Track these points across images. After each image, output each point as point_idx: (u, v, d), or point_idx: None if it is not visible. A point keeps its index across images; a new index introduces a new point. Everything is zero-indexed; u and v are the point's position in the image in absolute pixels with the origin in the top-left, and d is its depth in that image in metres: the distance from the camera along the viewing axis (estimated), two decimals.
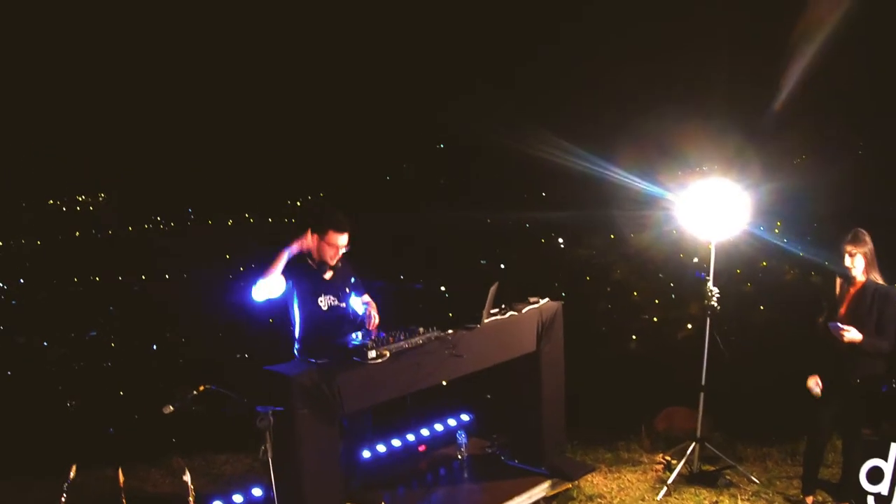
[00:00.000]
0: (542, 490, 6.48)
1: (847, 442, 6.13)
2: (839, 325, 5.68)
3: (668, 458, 7.34)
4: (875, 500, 5.96)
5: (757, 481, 6.82)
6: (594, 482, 6.94)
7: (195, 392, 4.49)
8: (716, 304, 6.86)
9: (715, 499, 6.54)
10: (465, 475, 6.82)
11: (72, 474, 4.59)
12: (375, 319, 6.04)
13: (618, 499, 6.63)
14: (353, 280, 6.16)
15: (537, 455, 6.75)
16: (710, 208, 6.77)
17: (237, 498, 6.14)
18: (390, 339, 5.57)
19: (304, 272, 5.89)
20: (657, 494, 6.64)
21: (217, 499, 6.09)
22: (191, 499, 4.82)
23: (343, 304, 6.00)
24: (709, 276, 6.96)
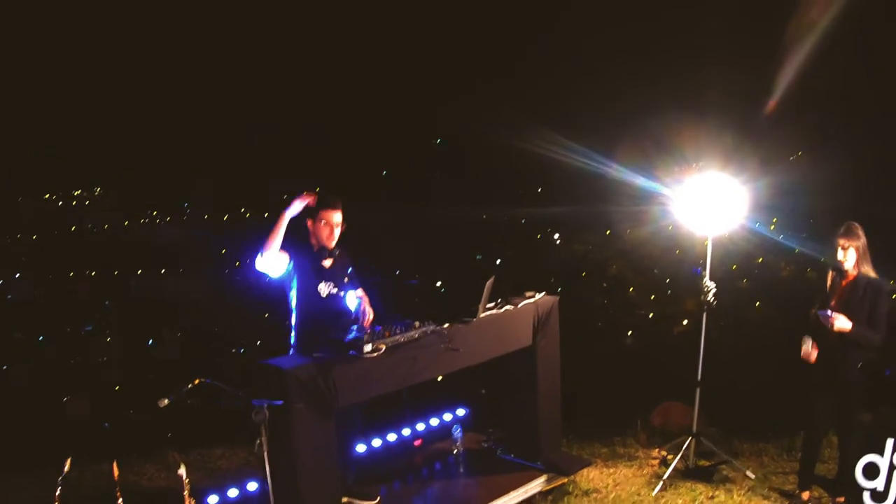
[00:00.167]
0: (537, 485, 6.48)
1: (841, 435, 6.14)
2: (828, 312, 5.69)
3: (664, 453, 7.35)
4: (871, 496, 5.95)
5: (753, 476, 6.82)
6: (590, 477, 6.94)
7: (190, 385, 4.47)
8: (712, 300, 6.86)
9: (711, 494, 6.54)
10: (461, 470, 6.83)
11: (66, 468, 4.57)
12: (370, 315, 6.02)
13: (613, 494, 6.63)
14: (350, 270, 6.13)
15: (533, 450, 6.75)
16: (707, 203, 6.77)
17: (232, 492, 6.13)
18: (386, 332, 5.56)
19: (305, 255, 5.87)
20: (653, 489, 6.64)
21: (212, 493, 6.06)
22: (186, 493, 4.81)
23: (342, 294, 5.98)
24: (705, 271, 6.95)
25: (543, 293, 6.79)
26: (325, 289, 5.87)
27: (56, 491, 4.54)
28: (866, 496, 5.92)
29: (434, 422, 7.64)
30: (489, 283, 6.14)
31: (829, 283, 5.95)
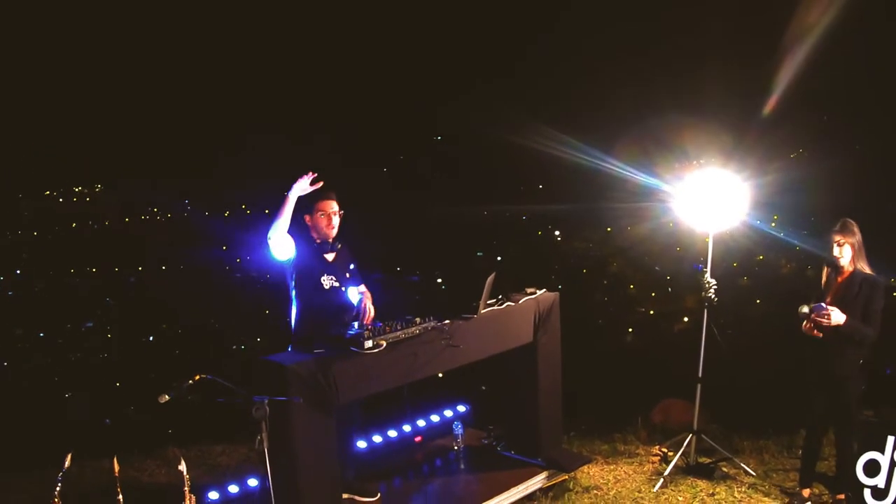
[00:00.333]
0: (538, 481, 6.47)
1: (839, 433, 6.13)
2: (822, 304, 5.69)
3: (664, 450, 7.34)
4: (871, 493, 5.95)
5: (753, 473, 6.82)
6: (590, 474, 6.94)
7: (191, 381, 4.47)
8: (713, 297, 6.85)
9: (711, 491, 6.54)
10: (462, 466, 6.82)
11: (67, 464, 4.57)
12: (371, 312, 6.01)
13: (614, 490, 6.63)
14: (352, 267, 6.13)
15: (534, 446, 6.75)
16: (708, 200, 6.76)
17: (233, 488, 6.13)
18: (387, 328, 5.55)
19: (308, 245, 5.87)
20: (653, 486, 6.64)
21: (213, 489, 6.07)
22: (186, 489, 4.81)
23: (343, 288, 5.97)
24: (706, 268, 6.95)
25: (544, 290, 6.78)
26: (327, 281, 5.87)
27: (56, 487, 4.53)
28: (867, 493, 5.92)
29: (435, 418, 7.64)
30: (490, 279, 6.13)
31: (824, 279, 5.96)
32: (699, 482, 6.69)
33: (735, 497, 6.43)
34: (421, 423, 7.54)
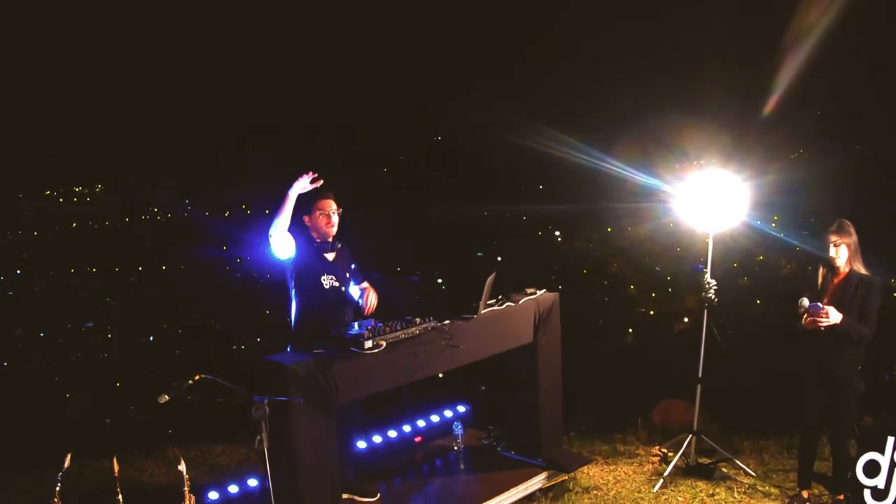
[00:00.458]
0: (538, 482, 6.47)
1: (834, 433, 6.13)
2: (819, 304, 5.70)
3: (664, 450, 7.34)
4: (871, 494, 5.94)
5: (753, 474, 6.82)
6: (590, 474, 6.94)
7: (191, 381, 4.47)
8: (713, 297, 6.85)
9: (711, 491, 6.54)
10: (462, 466, 6.82)
11: (66, 463, 4.57)
12: (373, 301, 6.02)
13: (614, 491, 6.63)
14: (353, 266, 6.14)
15: (534, 447, 6.75)
16: (708, 200, 6.76)
17: (233, 488, 6.13)
18: (387, 329, 5.55)
19: (308, 245, 5.88)
20: (653, 487, 6.64)
21: (213, 489, 6.07)
22: (186, 489, 4.81)
23: (344, 288, 5.98)
24: (706, 268, 6.95)
25: (544, 290, 6.78)
26: (327, 281, 5.87)
27: (56, 487, 4.53)
28: (867, 494, 5.92)
29: (435, 418, 7.64)
30: (490, 279, 6.13)
31: (819, 279, 5.97)
32: (699, 483, 6.69)
33: (735, 497, 6.43)
34: (421, 423, 7.54)
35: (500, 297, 6.51)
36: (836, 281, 5.87)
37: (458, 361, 5.97)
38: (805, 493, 6.26)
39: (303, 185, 5.64)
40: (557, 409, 6.93)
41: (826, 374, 5.91)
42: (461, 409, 7.83)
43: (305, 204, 5.85)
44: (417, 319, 5.76)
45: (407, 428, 7.42)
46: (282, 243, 5.69)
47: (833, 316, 5.66)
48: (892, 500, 5.78)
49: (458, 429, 7.06)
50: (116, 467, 4.75)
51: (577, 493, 6.56)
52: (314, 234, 5.94)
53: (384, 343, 5.43)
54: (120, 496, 4.73)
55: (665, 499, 6.47)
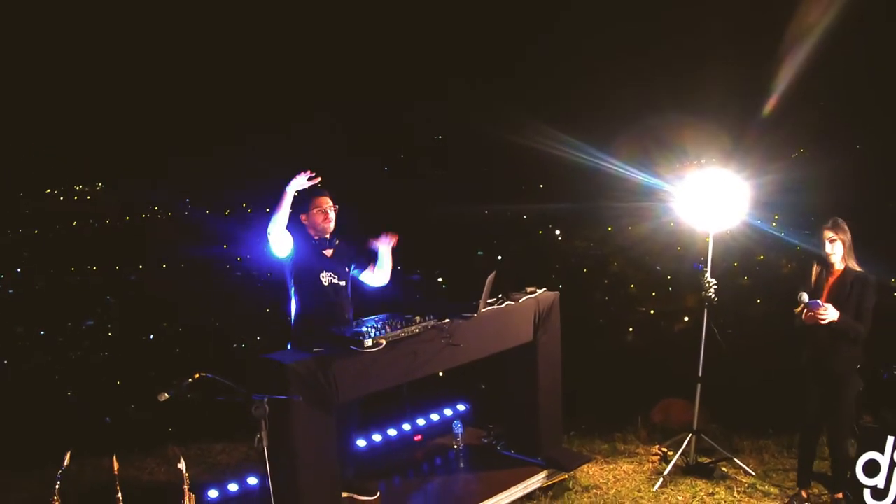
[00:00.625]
0: (537, 480, 6.47)
1: (833, 432, 6.13)
2: (818, 301, 5.70)
3: (664, 449, 7.34)
4: (871, 494, 5.94)
5: (753, 473, 6.82)
6: (590, 473, 6.94)
7: (191, 380, 4.47)
8: (713, 296, 6.85)
9: (711, 490, 6.54)
10: (461, 465, 6.82)
11: (66, 462, 4.57)
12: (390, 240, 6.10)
13: (614, 490, 6.62)
14: (355, 255, 6.15)
15: (533, 445, 6.75)
16: (708, 200, 6.76)
17: (232, 486, 6.13)
18: (386, 327, 5.55)
19: (306, 243, 5.88)
20: (653, 486, 6.64)
21: (212, 487, 6.07)
22: (186, 487, 4.81)
23: (343, 283, 5.99)
24: (706, 268, 6.95)
25: (544, 289, 6.78)
26: (326, 278, 5.88)
27: (56, 485, 4.54)
28: (866, 493, 5.92)
29: (434, 417, 7.64)
30: (490, 278, 6.12)
31: (813, 276, 5.97)
32: (699, 482, 6.69)
33: (734, 497, 6.43)
34: (421, 421, 7.54)
35: (500, 295, 6.50)
36: (830, 279, 5.88)
37: (458, 360, 5.97)
38: (805, 493, 6.26)
39: (300, 182, 5.64)
40: (557, 408, 6.93)
41: (824, 373, 5.92)
42: (461, 407, 7.84)
43: (302, 202, 5.86)
44: (417, 318, 5.75)
45: (407, 426, 7.42)
46: (280, 241, 5.70)
47: (831, 314, 5.67)
48: (892, 499, 5.78)
49: (457, 427, 7.06)
50: (116, 465, 4.75)
51: (576, 491, 6.56)
52: (312, 232, 5.94)
53: (384, 341, 5.43)
54: (120, 494, 4.73)
55: (665, 498, 6.47)
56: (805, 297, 5.79)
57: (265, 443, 4.46)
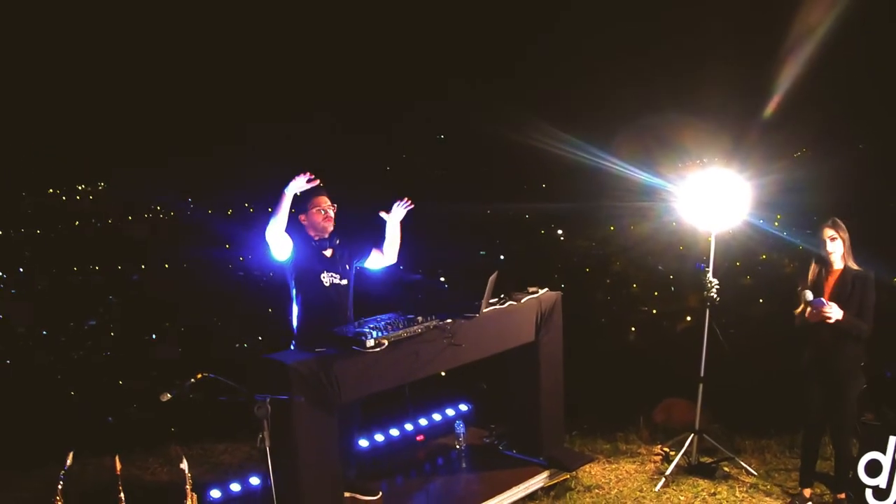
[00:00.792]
0: (539, 480, 6.47)
1: (836, 431, 6.13)
2: (822, 300, 5.71)
3: (666, 449, 7.34)
4: (873, 494, 5.94)
5: (755, 473, 6.82)
6: (592, 473, 6.94)
7: (193, 380, 4.48)
8: (715, 296, 6.85)
9: (713, 490, 6.54)
10: (463, 465, 6.82)
11: (69, 461, 4.58)
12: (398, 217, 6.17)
13: (616, 490, 6.63)
14: (356, 248, 6.16)
15: (535, 445, 6.75)
16: (710, 199, 6.76)
17: (235, 486, 6.14)
18: (389, 327, 5.55)
19: (305, 245, 5.89)
20: (655, 486, 6.64)
21: (214, 487, 6.08)
22: (188, 487, 4.82)
23: (345, 282, 5.99)
24: (708, 267, 6.95)
25: (546, 289, 6.78)
26: (327, 279, 5.88)
27: (58, 485, 4.54)
28: (868, 493, 5.92)
29: (436, 417, 7.64)
30: (492, 278, 6.12)
31: (811, 275, 5.97)
32: (701, 482, 6.69)
33: (736, 497, 6.43)
34: (423, 421, 7.54)
35: (502, 295, 6.50)
36: (830, 278, 5.89)
37: (460, 360, 5.98)
38: (807, 492, 6.26)
39: (299, 184, 5.64)
40: (559, 408, 6.93)
41: (827, 372, 5.92)
42: (463, 407, 7.84)
43: (301, 202, 5.86)
44: (419, 318, 5.75)
45: (409, 426, 7.42)
46: (279, 245, 5.71)
47: (835, 313, 5.68)
48: (894, 499, 5.79)
49: (459, 427, 7.06)
50: (119, 465, 4.76)
51: (578, 491, 6.56)
52: (311, 233, 5.94)
53: (386, 342, 5.43)
54: (122, 494, 4.74)
55: (667, 498, 6.47)
56: (809, 295, 5.80)
57: (267, 443, 4.47)
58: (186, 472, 4.80)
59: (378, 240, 6.24)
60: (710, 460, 6.99)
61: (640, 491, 6.60)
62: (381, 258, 6.24)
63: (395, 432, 7.31)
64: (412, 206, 6.23)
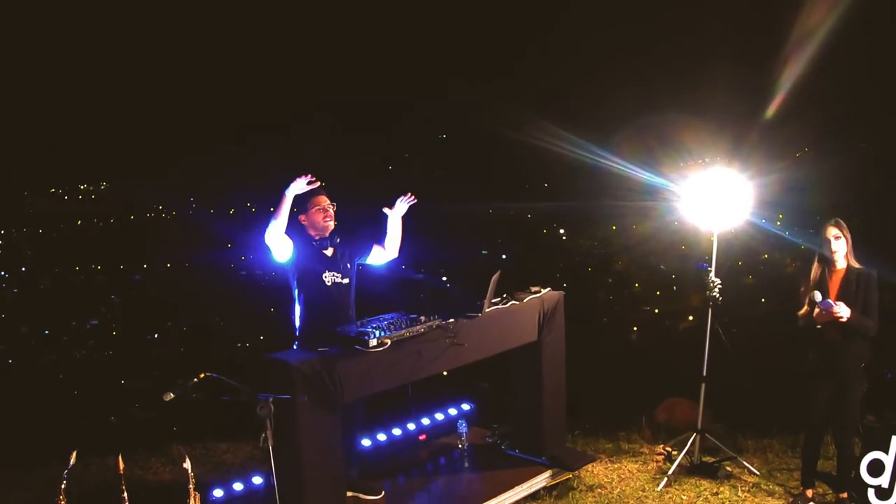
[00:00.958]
0: (542, 480, 6.47)
1: (839, 431, 6.13)
2: (831, 301, 5.71)
3: (668, 449, 7.34)
4: (875, 493, 5.94)
5: (757, 473, 6.81)
6: (594, 472, 6.94)
7: (196, 379, 4.48)
8: (717, 296, 6.85)
9: (715, 490, 6.54)
10: (466, 464, 6.82)
11: (72, 461, 4.59)
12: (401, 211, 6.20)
13: (618, 489, 6.63)
14: (357, 245, 6.16)
15: (538, 445, 6.75)
16: (712, 199, 6.76)
17: (237, 486, 6.14)
18: (391, 327, 5.55)
19: (306, 245, 5.89)
20: (657, 485, 6.64)
21: (217, 487, 6.08)
22: (191, 486, 4.82)
23: (346, 281, 5.99)
24: (711, 266, 6.94)
25: (549, 288, 6.78)
26: (329, 278, 5.89)
27: (61, 484, 4.55)
28: (871, 493, 5.92)
29: (439, 417, 7.64)
30: (495, 277, 6.12)
31: (813, 273, 5.97)
32: (703, 481, 6.69)
33: (739, 496, 6.43)
34: (425, 421, 7.54)
35: (504, 295, 6.50)
36: (834, 277, 5.89)
37: (463, 360, 5.98)
38: (809, 492, 6.26)
39: (299, 186, 5.64)
40: (561, 408, 6.93)
41: (833, 371, 5.91)
42: (465, 407, 7.83)
43: (300, 202, 5.86)
44: (422, 318, 5.75)
45: (411, 426, 7.41)
46: (280, 247, 5.71)
47: (844, 311, 5.68)
48: None
49: (462, 427, 7.05)
50: (122, 465, 4.77)
51: (581, 491, 6.56)
52: (312, 232, 5.94)
53: (389, 341, 5.43)
54: (125, 494, 4.75)
55: (669, 497, 6.47)
56: (818, 296, 5.79)
57: (270, 442, 4.47)
58: (190, 471, 4.81)
59: (379, 236, 6.25)
60: (712, 460, 6.99)
61: (643, 490, 6.60)
62: (383, 253, 6.25)
63: (397, 432, 7.31)
64: (415, 201, 6.24)
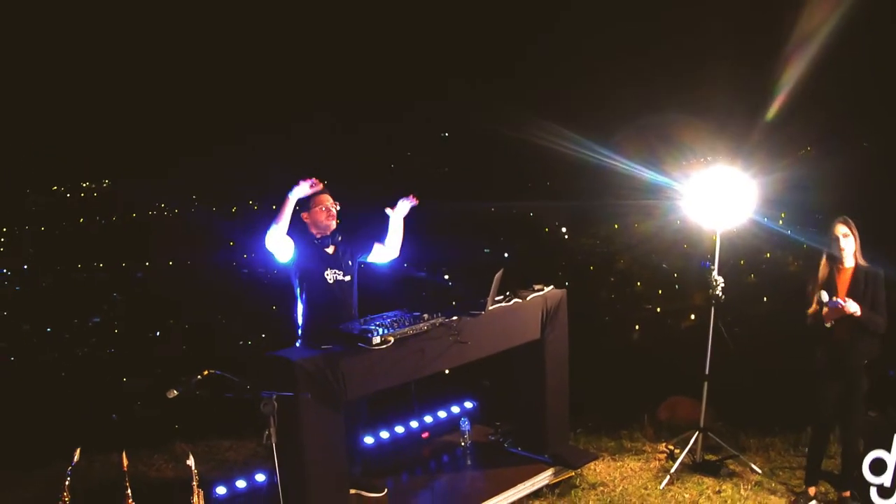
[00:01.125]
0: (544, 478, 6.48)
1: (845, 429, 6.13)
2: (838, 300, 5.70)
3: (671, 447, 7.34)
4: (878, 492, 5.95)
5: (759, 471, 6.81)
6: (597, 470, 6.94)
7: (199, 377, 4.49)
8: (720, 294, 6.85)
9: (717, 488, 6.54)
10: (468, 462, 6.82)
11: (76, 458, 4.59)
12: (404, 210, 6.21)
13: (620, 487, 6.63)
14: (358, 244, 6.17)
15: (540, 443, 6.75)
16: (715, 197, 6.76)
17: (241, 483, 6.14)
18: (395, 325, 5.56)
19: (308, 243, 5.89)
20: (660, 483, 6.64)
21: (220, 484, 6.08)
22: (194, 484, 4.83)
23: (348, 279, 6.00)
24: (713, 265, 6.94)
25: (552, 287, 6.78)
26: (330, 276, 5.89)
27: (65, 481, 4.55)
28: (873, 491, 5.92)
29: (442, 414, 7.63)
30: (498, 275, 6.12)
31: (821, 272, 5.96)
32: (705, 479, 6.69)
33: (741, 494, 6.43)
34: (428, 419, 7.53)
35: (507, 293, 6.50)
36: (843, 275, 5.88)
37: (466, 357, 5.98)
38: (812, 490, 6.26)
39: (303, 189, 5.65)
40: (564, 406, 6.94)
41: (842, 369, 5.90)
42: (468, 405, 7.83)
43: (303, 201, 5.86)
44: (425, 315, 5.75)
45: (414, 424, 7.41)
46: (281, 249, 5.71)
47: (853, 307, 5.67)
48: None
49: (465, 425, 7.06)
50: (125, 462, 4.77)
51: (583, 489, 6.56)
52: (314, 230, 5.94)
53: (392, 339, 5.44)
54: (129, 491, 4.75)
55: (671, 495, 6.47)
56: (825, 296, 5.79)
57: (273, 439, 4.48)
58: (193, 468, 4.81)
59: (380, 234, 6.25)
60: (714, 458, 6.99)
61: (645, 488, 6.61)
62: (384, 251, 6.26)
63: (400, 429, 7.31)
64: (417, 202, 6.24)
